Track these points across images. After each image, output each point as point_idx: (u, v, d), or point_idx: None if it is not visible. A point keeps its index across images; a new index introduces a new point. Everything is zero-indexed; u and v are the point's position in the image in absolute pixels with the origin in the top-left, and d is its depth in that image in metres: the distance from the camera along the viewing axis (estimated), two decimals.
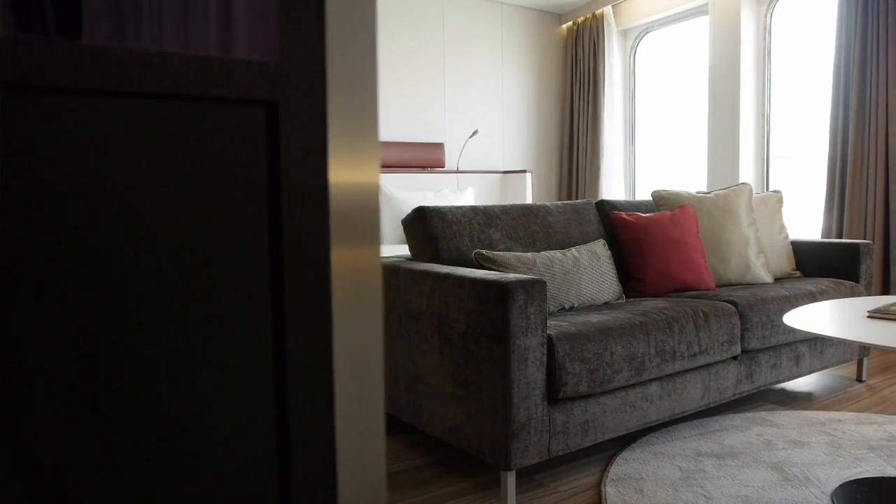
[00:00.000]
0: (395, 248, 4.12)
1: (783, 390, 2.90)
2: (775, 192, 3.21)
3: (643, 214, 2.77)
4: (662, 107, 5.57)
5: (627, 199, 4.13)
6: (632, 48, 5.72)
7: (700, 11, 5.06)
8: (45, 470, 0.30)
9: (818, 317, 1.85)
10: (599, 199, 3.26)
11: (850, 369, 3.19)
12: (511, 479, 1.84)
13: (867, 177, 3.76)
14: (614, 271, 2.51)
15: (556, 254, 2.38)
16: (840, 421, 2.48)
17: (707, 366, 2.29)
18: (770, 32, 4.62)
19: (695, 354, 2.19)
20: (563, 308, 2.33)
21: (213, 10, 0.32)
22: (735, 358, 2.39)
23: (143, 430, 0.33)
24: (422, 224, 2.34)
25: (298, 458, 0.37)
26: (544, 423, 1.84)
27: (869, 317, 1.82)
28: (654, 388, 2.12)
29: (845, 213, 3.85)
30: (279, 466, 0.36)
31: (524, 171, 5.46)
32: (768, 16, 4.61)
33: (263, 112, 0.33)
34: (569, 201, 2.80)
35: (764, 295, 2.54)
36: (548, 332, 1.88)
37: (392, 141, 5.13)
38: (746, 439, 2.30)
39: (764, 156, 4.69)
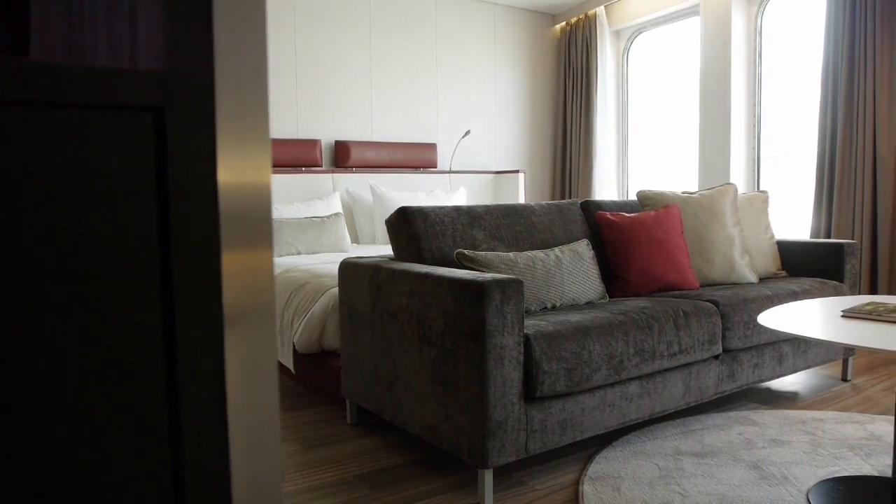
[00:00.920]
0: (386, 249, 4.14)
1: (768, 389, 2.91)
2: (761, 192, 3.22)
3: (627, 214, 2.78)
4: (655, 107, 5.59)
5: (620, 198, 4.14)
6: (625, 49, 5.73)
7: (692, 12, 5.08)
8: None
9: (792, 316, 1.86)
10: (585, 199, 3.27)
11: (835, 369, 3.21)
12: (488, 478, 1.85)
13: (855, 177, 3.77)
14: (597, 271, 2.52)
15: (539, 254, 2.39)
16: (822, 420, 2.49)
17: (687, 365, 2.30)
18: (760, 33, 4.64)
19: (675, 354, 2.20)
20: (546, 307, 2.34)
21: (102, 19, 0.33)
22: (716, 357, 2.40)
23: (30, 430, 0.34)
24: (404, 224, 2.35)
25: (191, 455, 0.38)
26: (521, 421, 1.86)
27: (843, 316, 1.83)
28: (633, 387, 2.13)
29: (833, 213, 3.86)
30: (172, 468, 0.37)
31: (517, 172, 5.47)
32: (759, 17, 4.62)
33: (152, 118, 0.34)
34: (553, 202, 2.81)
35: (746, 294, 2.55)
36: (525, 331, 1.90)
37: (384, 141, 5.14)
38: (727, 438, 2.31)
39: (755, 156, 4.70)
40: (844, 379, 3.02)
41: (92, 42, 0.33)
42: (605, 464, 2.10)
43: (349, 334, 2.41)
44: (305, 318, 2.66)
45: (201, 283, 0.37)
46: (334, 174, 4.84)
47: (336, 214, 4.27)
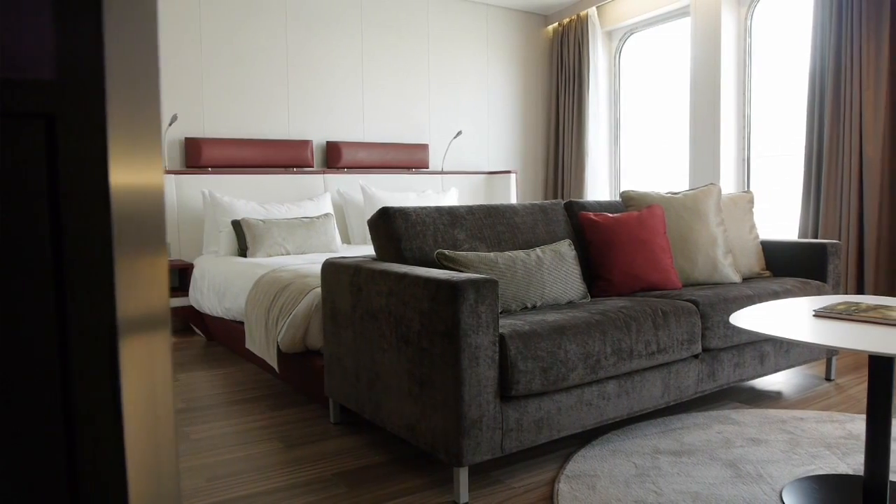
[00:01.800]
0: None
1: (752, 389, 2.92)
2: (746, 192, 3.23)
3: (611, 215, 2.79)
4: (647, 107, 5.60)
5: (613, 199, 4.15)
6: (617, 49, 5.75)
7: (682, 13, 5.09)
8: None
9: (764, 316, 1.88)
10: (569, 199, 3.29)
11: (820, 368, 3.22)
12: (464, 476, 1.87)
13: (841, 177, 3.78)
14: (579, 271, 2.54)
15: (520, 254, 2.40)
16: (802, 419, 2.50)
17: (667, 364, 2.31)
18: (750, 34, 4.65)
19: (653, 353, 2.22)
20: (526, 307, 2.35)
21: None
22: (696, 357, 2.42)
23: None
24: (385, 224, 2.36)
25: (86, 465, 0.39)
26: (497, 420, 1.87)
27: (815, 316, 1.84)
28: (611, 387, 2.15)
29: (821, 213, 3.88)
30: (67, 477, 0.38)
31: (509, 172, 5.49)
32: (748, 18, 4.63)
33: (43, 125, 0.36)
34: (537, 202, 2.83)
35: (727, 294, 2.56)
36: (500, 330, 1.91)
37: (376, 142, 5.16)
38: (706, 437, 2.32)
39: (745, 156, 4.71)
40: (828, 378, 3.04)
41: None
42: (582, 462, 2.12)
43: (331, 334, 2.43)
44: (289, 318, 2.68)
45: (94, 287, 0.38)
46: (326, 175, 4.85)
47: (326, 215, 4.28)
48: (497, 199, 5.54)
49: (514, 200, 5.41)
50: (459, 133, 5.42)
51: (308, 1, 4.88)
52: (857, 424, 2.43)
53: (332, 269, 2.41)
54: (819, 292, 2.88)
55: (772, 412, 2.58)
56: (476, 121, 5.72)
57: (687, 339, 2.33)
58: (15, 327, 0.37)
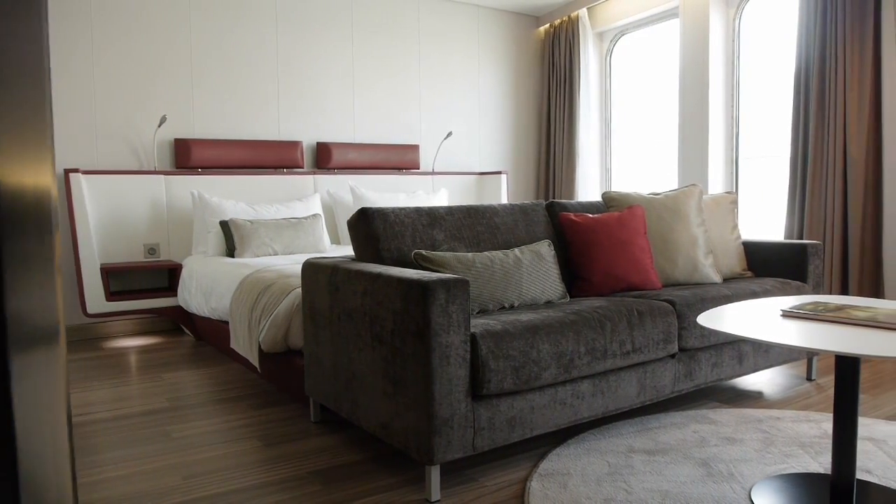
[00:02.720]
0: None
1: (733, 388, 2.94)
2: (728, 193, 3.25)
3: (591, 215, 2.81)
4: (638, 108, 5.62)
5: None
6: (608, 50, 5.76)
7: (672, 14, 5.11)
8: None
9: (732, 316, 1.90)
10: (551, 200, 3.30)
11: (801, 368, 3.23)
12: (435, 474, 1.89)
13: (826, 178, 3.80)
14: (558, 271, 2.55)
15: (498, 254, 2.42)
16: (778, 419, 2.52)
17: (642, 364, 2.33)
18: (738, 35, 4.67)
19: (628, 353, 2.23)
20: (504, 307, 2.37)
21: None
22: (673, 356, 2.43)
23: None
24: (364, 225, 2.38)
25: None
26: (468, 419, 1.89)
27: (783, 315, 1.86)
28: (585, 386, 2.17)
29: (805, 215, 3.89)
30: None
31: (499, 173, 5.51)
32: (737, 19, 4.65)
33: None
34: (517, 203, 2.85)
35: (705, 294, 2.58)
36: (472, 330, 1.93)
37: (366, 143, 5.18)
38: (681, 436, 2.34)
39: (733, 157, 4.73)
40: (809, 378, 3.05)
41: None
42: (556, 461, 2.13)
43: (311, 333, 2.44)
44: (271, 318, 2.70)
45: None
46: (316, 175, 4.87)
47: (314, 215, 4.30)
48: (488, 200, 5.55)
49: (504, 201, 5.42)
50: (450, 134, 5.44)
51: (299, 2, 4.90)
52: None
53: (312, 270, 2.42)
54: (799, 292, 2.89)
55: (749, 412, 2.59)
56: (467, 121, 5.74)
57: (663, 339, 2.35)
58: None
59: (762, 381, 3.05)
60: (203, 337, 4.07)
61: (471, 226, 2.58)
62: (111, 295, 4.04)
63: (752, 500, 1.83)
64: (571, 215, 2.80)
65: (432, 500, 1.88)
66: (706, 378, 2.56)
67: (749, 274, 3.13)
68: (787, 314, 1.84)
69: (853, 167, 3.64)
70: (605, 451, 2.21)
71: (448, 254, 2.32)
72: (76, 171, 3.95)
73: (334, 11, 5.04)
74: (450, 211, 2.57)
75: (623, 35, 5.64)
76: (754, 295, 2.71)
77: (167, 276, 4.40)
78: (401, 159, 5.25)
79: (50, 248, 0.41)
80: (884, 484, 1.95)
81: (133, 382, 3.21)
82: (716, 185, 4.70)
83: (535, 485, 1.96)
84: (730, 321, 1.80)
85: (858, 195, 3.63)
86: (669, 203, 2.95)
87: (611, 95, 5.79)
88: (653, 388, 2.38)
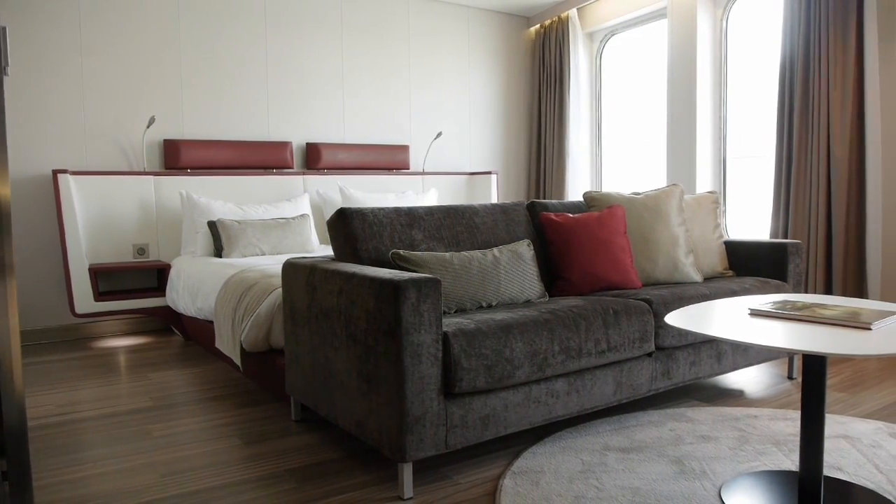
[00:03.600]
0: None
1: (713, 386, 2.96)
2: (710, 192, 3.27)
3: (571, 215, 2.83)
4: (628, 108, 5.63)
5: None
6: (598, 51, 5.78)
7: (660, 15, 5.13)
8: None
9: (699, 314, 1.91)
10: (532, 200, 3.32)
11: (783, 367, 3.25)
12: (407, 471, 1.90)
13: (811, 177, 3.82)
14: (536, 271, 2.57)
15: (476, 254, 2.44)
16: (755, 417, 2.53)
17: (618, 362, 2.35)
18: (726, 36, 4.68)
19: (603, 351, 2.25)
20: (481, 306, 2.38)
21: None
22: (649, 355, 2.45)
23: None
24: (342, 224, 2.40)
25: None
26: (441, 417, 1.90)
27: (750, 314, 1.87)
28: (560, 384, 2.18)
29: (790, 214, 3.91)
30: None
31: (490, 173, 5.52)
32: (724, 19, 4.67)
33: None
34: (498, 203, 2.86)
35: (683, 293, 2.60)
36: (445, 329, 1.94)
37: (355, 143, 5.19)
38: (657, 434, 2.35)
39: (721, 157, 4.74)
40: (790, 377, 3.07)
41: None
42: (531, 459, 2.15)
43: (291, 333, 2.46)
44: (253, 317, 2.71)
45: None
46: (305, 176, 4.89)
47: (302, 216, 4.32)
48: (478, 200, 5.57)
49: (494, 201, 5.44)
50: (440, 134, 5.46)
51: (288, 3, 4.92)
52: None
53: (292, 270, 2.44)
54: (779, 291, 2.91)
55: (727, 410, 2.61)
56: (458, 122, 5.75)
57: (639, 338, 2.36)
58: None
59: (743, 379, 3.07)
60: (192, 337, 4.09)
61: (450, 226, 2.60)
62: (100, 295, 4.06)
63: (721, 498, 1.85)
64: (552, 215, 2.82)
65: (405, 497, 1.90)
66: (684, 377, 2.58)
67: (730, 273, 3.15)
68: (755, 313, 1.86)
69: (837, 167, 3.66)
70: (581, 449, 2.23)
71: (426, 253, 2.34)
72: (65, 171, 3.97)
73: (324, 12, 5.06)
74: (429, 211, 2.59)
75: (613, 35, 5.66)
76: (733, 294, 2.73)
77: (156, 277, 4.42)
78: (391, 159, 5.26)
79: (9, 253, 0.43)
80: (854, 481, 1.97)
81: (119, 382, 3.23)
82: (704, 184, 4.72)
83: (507, 482, 1.98)
84: (697, 320, 1.82)
85: (842, 195, 3.64)
86: (650, 203, 2.96)
87: (601, 95, 5.81)
88: (629, 387, 2.39)
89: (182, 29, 4.53)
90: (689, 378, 2.60)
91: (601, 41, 5.75)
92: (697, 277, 2.94)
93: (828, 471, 2.04)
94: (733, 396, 2.81)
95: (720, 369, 2.72)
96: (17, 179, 4.10)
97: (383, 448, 1.92)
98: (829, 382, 3.00)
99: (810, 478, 1.78)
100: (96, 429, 2.55)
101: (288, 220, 4.20)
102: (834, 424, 2.44)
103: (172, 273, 4.05)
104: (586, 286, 2.71)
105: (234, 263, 3.55)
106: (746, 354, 2.81)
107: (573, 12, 5.60)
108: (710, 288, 2.73)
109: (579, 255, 2.72)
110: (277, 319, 2.69)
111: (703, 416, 2.54)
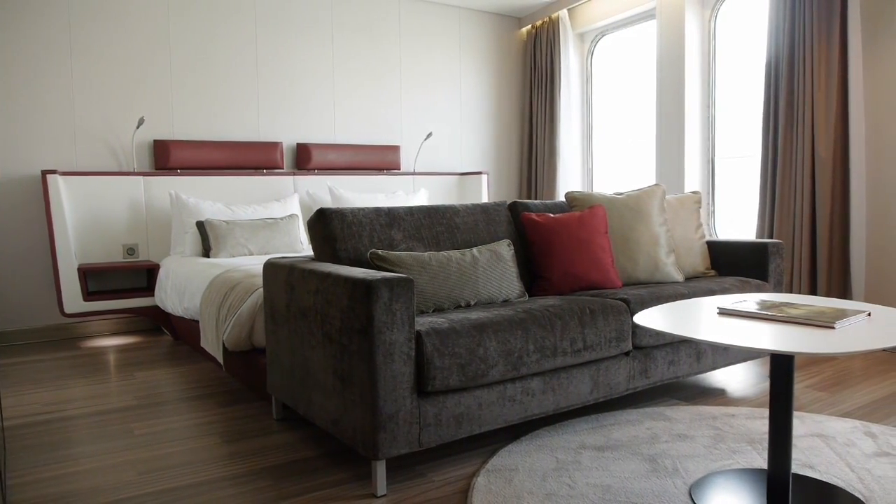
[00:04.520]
0: None
1: (695, 385, 2.97)
2: (694, 192, 3.28)
3: (552, 215, 2.84)
4: (619, 108, 5.65)
5: None
6: (589, 51, 5.80)
7: (649, 15, 5.14)
8: None
9: (669, 314, 1.93)
10: (514, 200, 3.34)
11: (767, 365, 3.26)
12: (381, 468, 1.92)
13: (795, 178, 3.83)
14: (516, 270, 2.59)
15: (455, 253, 2.45)
16: (733, 416, 2.55)
17: (595, 361, 2.36)
18: (714, 36, 4.70)
19: (579, 350, 2.27)
20: (459, 305, 2.40)
21: None
22: (627, 354, 2.47)
23: None
24: (322, 225, 2.42)
25: None
26: (414, 415, 1.92)
27: (719, 314, 1.89)
28: (535, 383, 2.20)
29: (776, 215, 3.93)
30: None
31: (480, 173, 5.54)
32: (712, 20, 4.68)
33: None
34: (479, 203, 2.88)
35: (661, 293, 2.61)
36: (418, 328, 1.96)
37: (346, 144, 5.21)
38: (634, 433, 2.37)
39: (709, 157, 4.76)
40: None
41: None
42: (506, 457, 2.17)
43: (271, 332, 2.48)
44: (235, 317, 2.73)
45: None
46: (295, 176, 4.91)
47: (291, 216, 4.34)
48: (468, 200, 5.59)
49: (485, 201, 5.46)
50: (430, 135, 5.47)
51: (279, 3, 4.94)
52: None
53: (272, 269, 2.46)
54: (759, 291, 2.93)
55: (706, 409, 2.63)
56: (449, 122, 5.77)
57: (615, 337, 2.38)
58: None
59: (725, 378, 3.08)
60: (180, 336, 4.11)
61: (430, 226, 2.62)
62: (89, 295, 4.08)
63: (690, 495, 1.87)
64: (533, 215, 2.84)
65: (378, 494, 1.92)
66: (662, 376, 2.60)
67: (712, 273, 3.16)
68: (724, 312, 1.88)
69: (821, 167, 3.68)
70: (557, 447, 2.25)
71: (404, 253, 2.36)
72: (54, 172, 3.99)
73: (314, 13, 5.08)
74: (409, 211, 2.61)
75: (603, 36, 5.68)
76: (711, 293, 2.74)
77: (146, 277, 4.44)
78: (382, 160, 5.28)
79: None
80: (825, 479, 1.98)
81: (105, 381, 3.25)
82: (693, 184, 4.73)
83: (481, 480, 1.99)
84: (666, 319, 1.83)
85: (826, 195, 3.66)
86: (631, 203, 2.98)
87: (592, 96, 5.82)
88: (606, 386, 2.41)
89: (172, 29, 4.55)
90: (668, 377, 2.62)
91: (592, 42, 5.77)
92: (678, 277, 2.96)
93: (800, 469, 2.06)
94: (714, 395, 2.83)
95: (699, 368, 2.74)
96: (6, 180, 4.12)
97: (357, 446, 1.94)
98: (809, 382, 3.02)
99: (778, 475, 1.80)
100: (79, 427, 2.57)
101: (276, 220, 4.22)
102: (811, 423, 2.46)
103: (161, 273, 4.07)
104: (566, 286, 2.73)
105: (220, 263, 3.57)
106: (727, 354, 2.83)
107: (564, 13, 5.62)
108: (689, 287, 2.75)
109: (560, 255, 2.74)
110: (259, 319, 2.71)
111: (681, 415, 2.55)
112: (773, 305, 1.90)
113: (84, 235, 4.21)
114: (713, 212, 4.73)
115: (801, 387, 2.95)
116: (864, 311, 1.81)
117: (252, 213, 4.34)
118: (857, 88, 3.60)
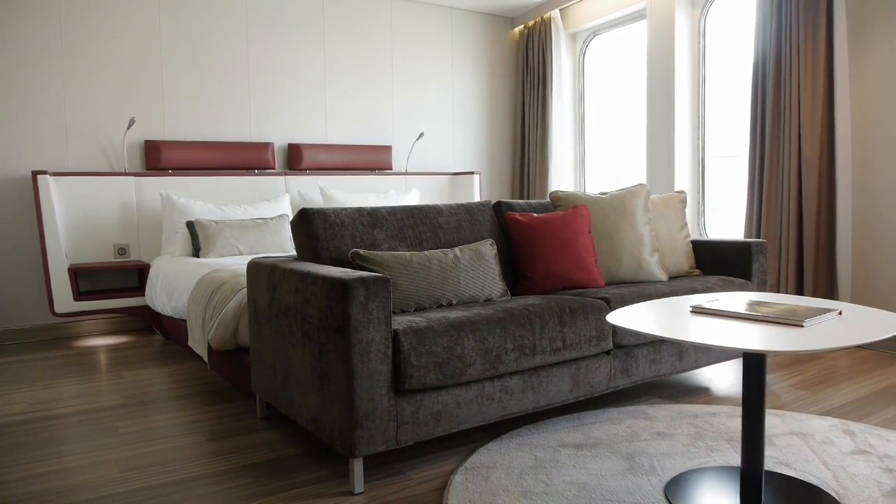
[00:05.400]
0: None
1: (680, 384, 2.99)
2: (679, 192, 3.30)
3: (536, 215, 2.86)
4: (611, 108, 5.67)
5: None
6: (581, 51, 5.81)
7: (640, 16, 5.16)
8: None
9: (642, 313, 1.94)
10: (498, 200, 3.35)
11: None
12: (358, 466, 1.94)
13: (782, 177, 3.85)
14: (499, 270, 2.60)
15: (437, 253, 2.47)
16: (714, 414, 2.56)
17: (575, 360, 2.38)
18: (704, 36, 4.71)
19: (558, 349, 2.28)
20: (441, 304, 2.42)
21: None
22: (607, 353, 2.48)
23: None
24: (304, 225, 2.43)
25: None
26: (391, 413, 1.94)
27: (692, 312, 1.91)
28: (514, 382, 2.22)
29: (763, 214, 3.94)
30: None
31: (473, 173, 5.56)
32: (702, 20, 4.70)
33: None
34: (463, 203, 2.90)
35: (643, 292, 2.63)
36: (396, 326, 1.98)
37: (338, 144, 5.23)
38: (614, 431, 2.39)
39: (699, 157, 4.77)
40: None
41: None
42: (485, 455, 2.18)
43: (255, 331, 2.50)
44: (220, 316, 2.75)
45: None
46: (287, 176, 4.92)
47: (281, 216, 4.35)
48: (460, 200, 5.60)
49: (477, 200, 5.47)
50: (421, 135, 5.49)
51: (270, 3, 4.95)
52: (767, 419, 2.49)
53: (255, 269, 2.48)
54: (742, 290, 2.94)
55: (687, 407, 2.64)
56: (441, 122, 5.79)
57: (595, 336, 2.40)
58: None
59: (710, 377, 3.10)
60: (170, 336, 4.12)
61: (413, 226, 2.64)
62: (80, 295, 4.10)
63: (665, 493, 1.88)
64: (516, 215, 2.85)
65: (355, 492, 1.94)
66: (644, 374, 2.61)
67: (697, 272, 3.18)
68: (697, 311, 1.90)
69: (807, 167, 3.69)
70: (536, 445, 2.26)
71: (385, 253, 2.37)
72: (44, 172, 4.01)
73: (306, 13, 5.09)
74: (392, 211, 2.62)
75: (595, 36, 5.69)
76: (694, 292, 2.76)
77: (137, 277, 4.45)
78: (373, 160, 5.30)
79: None
80: (801, 477, 2.00)
81: (94, 380, 3.27)
82: (683, 184, 4.75)
83: (458, 478, 2.01)
84: (638, 318, 1.85)
85: (812, 195, 3.68)
86: (615, 202, 3.00)
87: (584, 96, 5.84)
88: (587, 385, 2.43)
89: (164, 30, 4.57)
90: (650, 376, 2.64)
91: (584, 42, 5.78)
92: (662, 276, 2.97)
93: (776, 466, 2.07)
94: (697, 394, 2.84)
95: (682, 367, 2.75)
96: None
97: (335, 444, 1.95)
98: (793, 380, 3.04)
99: (752, 473, 1.82)
100: (65, 426, 2.59)
101: (266, 220, 4.24)
102: (790, 421, 2.48)
103: (152, 273, 4.09)
104: (549, 285, 2.75)
105: (208, 263, 3.59)
106: (709, 353, 2.84)
107: (556, 13, 5.63)
108: (671, 287, 2.76)
109: (543, 255, 2.75)
110: (244, 318, 2.73)
111: (662, 414, 2.57)
112: (747, 304, 1.92)
113: (75, 235, 4.23)
114: (703, 211, 4.74)
115: (783, 385, 2.96)
116: (835, 310, 1.83)
117: (242, 214, 4.36)
118: (844, 88, 3.62)
